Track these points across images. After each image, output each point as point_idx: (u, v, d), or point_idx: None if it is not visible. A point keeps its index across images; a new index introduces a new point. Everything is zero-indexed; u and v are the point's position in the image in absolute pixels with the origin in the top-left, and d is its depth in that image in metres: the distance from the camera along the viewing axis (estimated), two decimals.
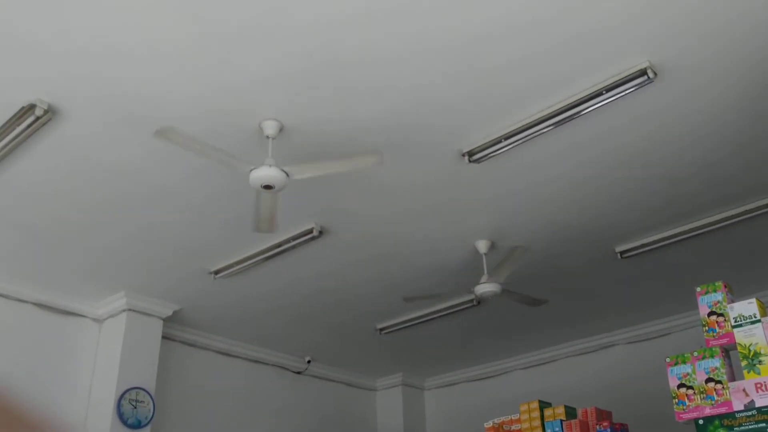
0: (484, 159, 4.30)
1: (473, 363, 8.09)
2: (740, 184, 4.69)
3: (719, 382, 2.90)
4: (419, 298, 5.95)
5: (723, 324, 2.98)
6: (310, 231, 5.07)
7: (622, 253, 5.52)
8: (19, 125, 3.79)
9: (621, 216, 5.08)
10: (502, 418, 4.73)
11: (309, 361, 7.66)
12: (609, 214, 5.04)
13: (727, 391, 2.87)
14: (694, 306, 6.49)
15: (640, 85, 3.66)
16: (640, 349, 6.92)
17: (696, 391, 2.95)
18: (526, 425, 4.58)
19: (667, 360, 3.08)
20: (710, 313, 3.04)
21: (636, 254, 5.49)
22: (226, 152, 3.88)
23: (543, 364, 7.67)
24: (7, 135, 3.87)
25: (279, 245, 5.24)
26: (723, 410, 2.84)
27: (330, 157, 4.11)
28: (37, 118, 3.73)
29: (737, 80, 3.74)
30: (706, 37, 3.44)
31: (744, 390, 2.82)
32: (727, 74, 3.70)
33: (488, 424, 4.76)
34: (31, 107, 3.68)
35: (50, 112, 3.74)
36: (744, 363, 2.87)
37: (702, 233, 5.18)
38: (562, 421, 4.40)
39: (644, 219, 5.12)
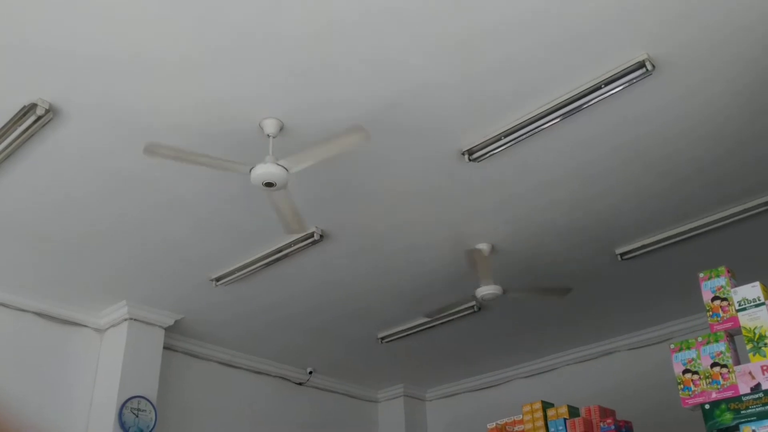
0: (483, 157, 4.30)
1: (474, 372, 8.05)
2: (741, 181, 4.69)
3: (725, 366, 2.90)
4: (438, 312, 6.05)
5: (727, 308, 2.98)
6: (312, 235, 5.06)
7: (622, 254, 5.51)
8: (20, 125, 3.78)
9: (621, 216, 5.07)
10: (505, 419, 4.70)
11: (311, 372, 7.63)
12: (609, 214, 5.03)
13: (732, 374, 2.86)
14: (696, 310, 6.41)
15: (638, 78, 3.67)
16: (642, 356, 6.90)
17: (701, 377, 2.94)
18: (529, 425, 4.55)
19: (672, 346, 3.08)
20: (714, 298, 3.03)
21: (636, 255, 5.48)
22: (220, 157, 3.85)
23: (545, 372, 7.63)
24: (8, 136, 3.86)
25: (280, 250, 5.23)
26: (729, 394, 2.83)
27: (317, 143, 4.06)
28: (39, 118, 3.73)
29: (736, 75, 3.76)
30: (704, 29, 3.45)
31: (750, 373, 2.81)
32: (726, 69, 3.71)
33: (491, 425, 4.74)
34: (33, 107, 3.68)
35: (51, 112, 3.74)
36: (749, 346, 2.87)
37: (703, 233, 5.18)
38: (565, 419, 4.37)
39: (644, 219, 5.11)
